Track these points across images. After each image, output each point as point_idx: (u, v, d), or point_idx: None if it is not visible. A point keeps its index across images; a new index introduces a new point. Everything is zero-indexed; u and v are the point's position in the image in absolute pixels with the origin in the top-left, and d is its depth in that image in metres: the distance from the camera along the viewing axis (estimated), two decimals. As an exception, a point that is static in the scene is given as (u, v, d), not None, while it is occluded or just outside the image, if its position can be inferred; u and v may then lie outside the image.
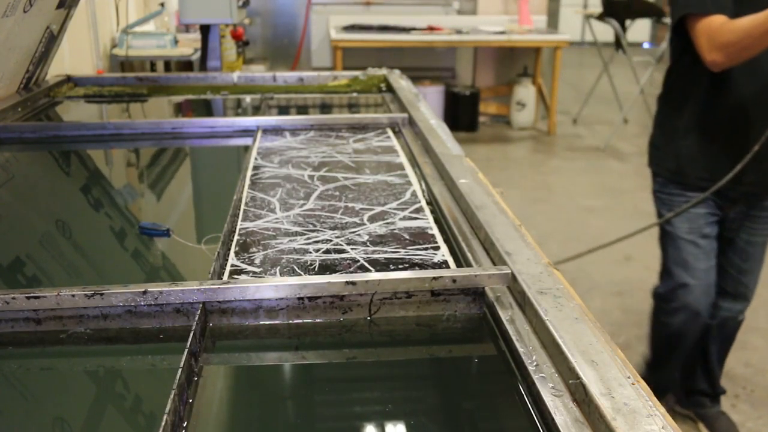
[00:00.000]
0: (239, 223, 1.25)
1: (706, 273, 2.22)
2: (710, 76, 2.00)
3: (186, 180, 1.78)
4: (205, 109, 2.43)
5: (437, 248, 1.15)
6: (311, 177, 1.51)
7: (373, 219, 1.27)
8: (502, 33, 5.94)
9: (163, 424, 0.71)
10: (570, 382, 0.79)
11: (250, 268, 1.08)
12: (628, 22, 6.13)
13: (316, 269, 1.07)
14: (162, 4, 4.66)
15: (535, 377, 0.81)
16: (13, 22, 1.82)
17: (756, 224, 2.24)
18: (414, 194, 1.41)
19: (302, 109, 2.38)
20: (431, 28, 5.94)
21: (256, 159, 1.63)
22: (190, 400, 0.81)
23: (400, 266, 1.08)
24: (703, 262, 2.21)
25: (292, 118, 1.98)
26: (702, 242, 2.21)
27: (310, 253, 1.13)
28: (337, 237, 1.19)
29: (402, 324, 0.99)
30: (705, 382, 2.48)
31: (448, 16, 6.49)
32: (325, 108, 2.41)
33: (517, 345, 0.88)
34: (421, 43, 5.82)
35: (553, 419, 0.75)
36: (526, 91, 6.36)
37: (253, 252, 1.13)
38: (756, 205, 2.20)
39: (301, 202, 1.36)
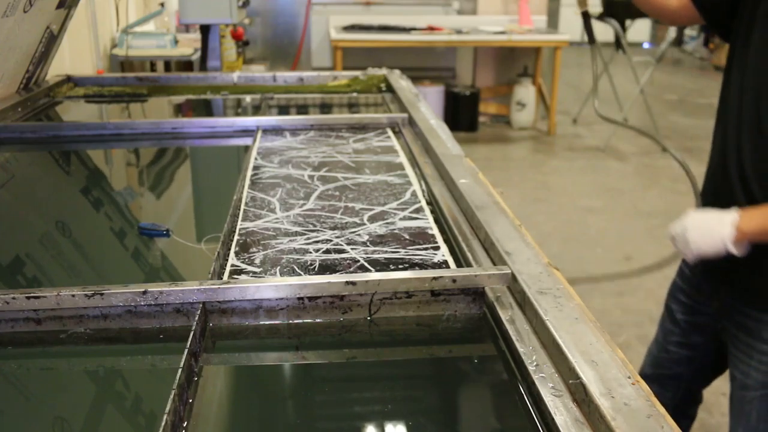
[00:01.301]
0: (239, 223, 1.25)
1: (657, 358, 1.75)
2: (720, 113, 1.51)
3: (186, 180, 1.78)
4: (205, 109, 2.43)
5: (437, 248, 1.15)
6: (311, 177, 1.50)
7: (373, 219, 1.27)
8: (502, 33, 5.93)
9: (163, 424, 0.71)
10: (570, 382, 0.79)
11: (250, 268, 1.08)
12: (628, 22, 6.13)
13: (316, 269, 1.07)
14: (162, 4, 4.66)
15: (535, 377, 0.81)
16: (13, 22, 1.82)
17: (744, 350, 1.44)
18: (414, 194, 1.41)
19: (302, 109, 2.38)
20: (431, 28, 5.93)
21: (256, 159, 1.62)
22: (190, 400, 0.81)
23: (400, 266, 1.08)
24: (658, 345, 1.75)
25: (292, 118, 1.98)
26: (663, 330, 1.72)
27: (310, 253, 1.13)
28: (337, 237, 1.19)
29: (402, 324, 0.99)
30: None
31: (448, 16, 6.49)
32: (325, 108, 2.41)
33: (517, 345, 0.88)
34: (421, 43, 5.82)
35: (553, 419, 0.75)
36: (526, 91, 6.35)
37: (253, 252, 1.13)
38: (741, 308, 1.44)
39: (301, 202, 1.36)
